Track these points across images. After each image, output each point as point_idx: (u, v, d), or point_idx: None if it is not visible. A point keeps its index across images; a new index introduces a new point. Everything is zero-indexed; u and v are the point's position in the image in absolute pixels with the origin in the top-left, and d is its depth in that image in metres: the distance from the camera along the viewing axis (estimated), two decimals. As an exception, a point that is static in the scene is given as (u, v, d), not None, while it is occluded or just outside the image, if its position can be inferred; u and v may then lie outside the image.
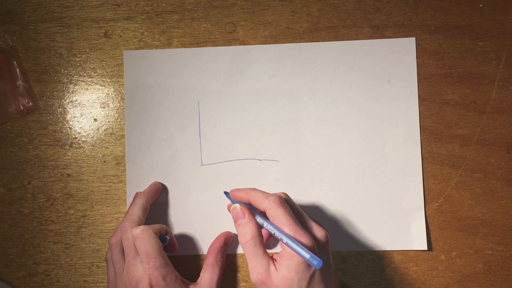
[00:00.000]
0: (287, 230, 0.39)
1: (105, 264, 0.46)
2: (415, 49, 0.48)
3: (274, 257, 0.40)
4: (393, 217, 0.47)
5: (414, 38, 0.48)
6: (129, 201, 0.47)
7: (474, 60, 0.48)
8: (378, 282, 0.47)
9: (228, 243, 0.46)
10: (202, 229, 0.47)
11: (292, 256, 0.38)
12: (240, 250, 0.47)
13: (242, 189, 0.42)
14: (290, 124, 0.48)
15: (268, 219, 0.40)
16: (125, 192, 0.48)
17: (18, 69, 0.48)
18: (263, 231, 0.44)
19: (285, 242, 0.38)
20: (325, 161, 0.47)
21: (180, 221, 0.47)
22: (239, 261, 0.47)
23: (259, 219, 0.41)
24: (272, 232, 0.39)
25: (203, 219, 0.47)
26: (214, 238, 0.46)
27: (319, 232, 0.40)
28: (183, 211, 0.47)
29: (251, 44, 0.48)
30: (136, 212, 0.43)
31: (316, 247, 0.39)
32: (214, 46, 0.48)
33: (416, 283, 0.47)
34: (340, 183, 0.47)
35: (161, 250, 0.41)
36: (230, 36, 0.49)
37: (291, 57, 0.48)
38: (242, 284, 0.47)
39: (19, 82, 0.48)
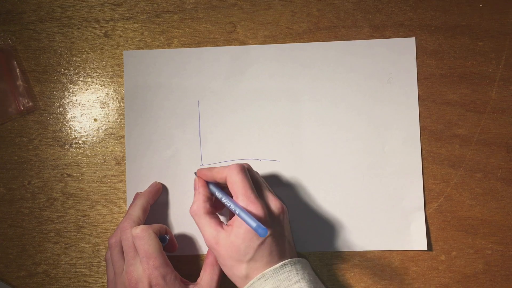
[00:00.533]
0: (241, 198, 0.40)
1: (105, 264, 0.46)
2: (415, 49, 0.48)
3: (227, 223, 0.41)
4: (393, 217, 0.47)
5: (414, 38, 0.48)
6: (129, 201, 0.47)
7: (474, 60, 0.48)
8: (378, 282, 0.47)
9: None
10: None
11: (241, 224, 0.39)
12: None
13: (205, 168, 0.44)
14: (290, 124, 0.48)
15: (226, 192, 0.42)
16: (125, 192, 0.48)
17: (18, 69, 0.48)
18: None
19: (236, 212, 0.39)
20: (325, 161, 0.47)
21: (180, 221, 0.47)
22: (239, 261, 0.47)
23: (214, 190, 0.42)
24: (227, 204, 0.40)
25: (203, 219, 0.47)
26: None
27: (274, 203, 0.41)
28: (183, 211, 0.47)
29: (251, 44, 0.48)
30: (136, 212, 0.43)
31: (269, 218, 0.40)
32: (214, 46, 0.48)
33: (416, 283, 0.47)
34: (340, 183, 0.47)
35: (161, 250, 0.41)
36: (230, 36, 0.49)
37: (291, 57, 0.48)
38: (242, 284, 0.47)
39: (19, 82, 0.48)
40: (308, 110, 0.48)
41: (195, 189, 0.43)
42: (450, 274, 0.47)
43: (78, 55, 0.49)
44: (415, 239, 0.46)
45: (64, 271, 0.48)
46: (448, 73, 0.48)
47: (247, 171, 0.41)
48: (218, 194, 0.42)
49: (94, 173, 0.48)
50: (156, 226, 0.43)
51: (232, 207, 0.39)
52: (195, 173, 0.45)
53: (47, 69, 0.49)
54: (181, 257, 0.47)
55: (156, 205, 0.47)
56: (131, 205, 0.46)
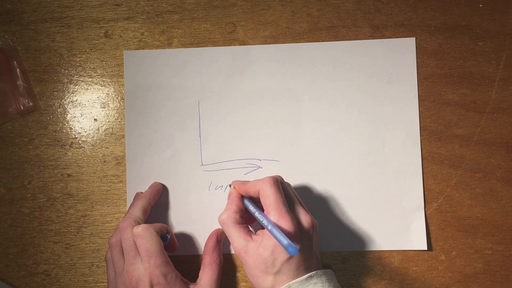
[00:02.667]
0: (272, 213, 0.40)
1: (105, 264, 0.46)
2: (415, 49, 0.48)
3: (257, 233, 0.41)
4: (393, 217, 0.47)
5: (414, 38, 0.48)
6: (129, 201, 0.47)
7: (474, 60, 0.48)
8: (378, 282, 0.47)
9: (221, 240, 0.46)
10: (202, 229, 0.47)
11: (271, 237, 0.39)
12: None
13: (242, 181, 0.44)
14: (290, 124, 0.48)
15: (258, 205, 0.42)
16: (125, 192, 0.48)
17: (18, 69, 0.48)
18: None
19: (268, 228, 0.39)
20: (325, 161, 0.47)
21: (180, 221, 0.47)
22: (239, 261, 0.47)
23: (248, 203, 0.43)
24: (259, 219, 0.40)
25: (203, 219, 0.47)
26: (214, 238, 0.46)
27: (304, 218, 0.41)
28: (183, 211, 0.47)
29: (251, 44, 0.48)
30: (137, 212, 0.43)
31: (299, 232, 0.40)
32: (214, 46, 0.48)
33: (416, 283, 0.47)
34: (340, 183, 0.47)
35: (162, 249, 0.41)
36: (230, 36, 0.49)
37: (291, 57, 0.48)
38: (242, 284, 0.47)
39: (19, 82, 0.48)
40: (308, 110, 0.48)
41: (229, 198, 0.44)
42: (450, 274, 0.47)
43: (78, 55, 0.49)
44: (415, 239, 0.46)
45: (64, 271, 0.48)
46: (448, 73, 0.48)
47: (279, 184, 0.41)
48: (251, 208, 0.42)
49: (94, 173, 0.48)
50: (158, 225, 0.43)
51: (265, 222, 0.39)
52: (230, 185, 0.46)
53: (47, 69, 0.49)
54: (181, 257, 0.47)
55: (156, 205, 0.47)
56: (131, 205, 0.46)
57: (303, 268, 0.40)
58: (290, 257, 0.39)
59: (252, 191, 0.42)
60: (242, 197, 0.44)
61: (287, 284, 0.39)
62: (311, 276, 0.39)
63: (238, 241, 0.41)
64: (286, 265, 0.39)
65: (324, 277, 0.40)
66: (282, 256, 0.39)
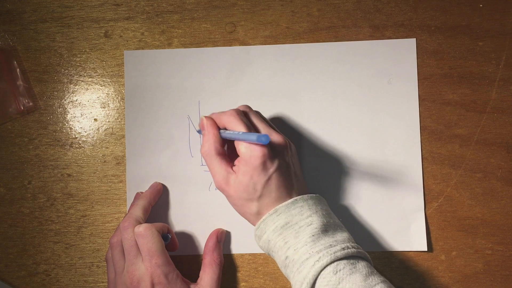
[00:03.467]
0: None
1: (105, 264, 0.46)
2: (416, 50, 0.48)
3: (235, 163, 0.41)
4: (393, 217, 0.47)
5: (415, 39, 0.48)
6: (129, 201, 0.47)
7: (474, 60, 0.48)
8: (378, 282, 0.47)
9: (221, 240, 0.46)
10: (202, 229, 0.47)
11: (247, 162, 0.39)
12: (238, 250, 0.47)
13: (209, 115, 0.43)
14: (290, 124, 0.48)
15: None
16: (125, 192, 0.48)
17: (18, 69, 0.48)
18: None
19: (237, 138, 0.39)
20: (325, 161, 0.47)
21: (180, 221, 0.47)
22: (239, 261, 0.47)
23: (221, 131, 0.42)
24: (228, 137, 0.40)
25: (203, 219, 0.47)
26: (214, 237, 0.46)
27: (275, 137, 0.41)
28: (183, 211, 0.47)
29: (251, 44, 0.48)
30: (137, 212, 0.43)
31: (272, 151, 0.40)
32: (214, 46, 0.48)
33: (416, 283, 0.47)
34: (340, 183, 0.47)
35: (163, 248, 0.41)
36: (230, 36, 0.49)
37: (291, 57, 0.48)
38: (242, 284, 0.47)
39: (19, 82, 0.48)
40: (308, 110, 0.48)
41: (203, 129, 0.42)
42: (450, 274, 0.47)
43: (79, 55, 0.49)
44: (415, 239, 0.46)
45: (64, 271, 0.48)
46: (448, 73, 0.48)
47: (241, 115, 0.41)
48: (223, 133, 0.42)
49: (94, 173, 0.48)
50: (159, 224, 0.43)
51: (230, 135, 0.40)
52: (199, 131, 0.45)
53: (48, 69, 0.49)
54: (182, 256, 0.47)
55: (156, 205, 0.47)
56: (132, 205, 0.46)
57: (284, 188, 0.40)
58: (269, 178, 0.39)
59: (220, 124, 0.42)
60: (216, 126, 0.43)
61: (274, 208, 0.39)
62: (296, 200, 0.40)
63: (219, 172, 0.40)
64: (266, 187, 0.39)
65: (310, 201, 0.40)
66: (261, 177, 0.39)
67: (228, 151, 0.44)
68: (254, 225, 0.41)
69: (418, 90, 0.47)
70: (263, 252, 0.47)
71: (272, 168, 0.39)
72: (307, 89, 0.48)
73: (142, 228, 0.41)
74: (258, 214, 0.40)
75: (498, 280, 0.46)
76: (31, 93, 0.48)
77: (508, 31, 0.48)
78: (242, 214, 0.42)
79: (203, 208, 0.47)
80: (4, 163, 0.48)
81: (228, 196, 0.41)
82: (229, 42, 0.48)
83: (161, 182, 0.47)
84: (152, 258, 0.40)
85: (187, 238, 0.47)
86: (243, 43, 0.48)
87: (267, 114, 0.48)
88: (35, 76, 0.49)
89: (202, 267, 0.44)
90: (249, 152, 0.39)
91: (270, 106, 0.48)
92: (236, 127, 0.40)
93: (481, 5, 0.48)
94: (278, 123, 0.47)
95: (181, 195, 0.47)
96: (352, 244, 0.39)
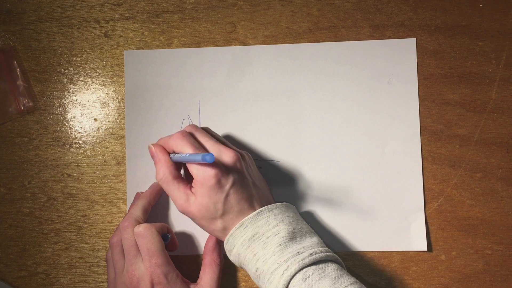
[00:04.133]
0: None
1: (105, 264, 0.46)
2: (416, 50, 0.48)
3: (192, 184, 0.41)
4: (393, 217, 0.47)
5: (415, 39, 0.48)
6: (129, 201, 0.47)
7: (474, 60, 0.48)
8: (378, 282, 0.47)
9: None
10: (201, 229, 0.47)
11: (202, 184, 0.39)
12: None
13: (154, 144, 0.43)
14: (290, 125, 0.48)
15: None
16: (125, 192, 0.48)
17: (18, 69, 0.48)
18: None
19: (185, 160, 0.39)
20: (325, 161, 0.47)
21: (180, 221, 0.47)
22: (239, 261, 0.47)
23: (171, 154, 0.42)
24: (177, 160, 0.41)
25: (203, 219, 0.47)
26: (214, 238, 0.46)
27: (225, 153, 0.40)
28: (183, 211, 0.47)
29: (251, 44, 0.48)
30: (137, 212, 0.43)
31: (224, 169, 0.39)
32: (214, 46, 0.48)
33: (416, 283, 0.47)
34: (340, 183, 0.47)
35: (163, 248, 0.41)
36: (230, 36, 0.49)
37: (291, 57, 0.48)
38: (242, 284, 0.47)
39: (19, 82, 0.48)
40: (308, 110, 0.48)
41: (153, 157, 0.42)
42: (450, 274, 0.47)
43: (79, 55, 0.49)
44: (415, 239, 0.46)
45: (64, 271, 0.48)
46: (448, 73, 0.48)
47: (188, 136, 0.41)
48: (174, 157, 0.42)
49: (94, 173, 0.48)
50: (158, 224, 0.43)
51: (178, 158, 0.40)
52: (150, 146, 0.44)
53: (47, 69, 0.49)
54: (181, 256, 0.47)
55: (156, 205, 0.47)
56: (132, 205, 0.46)
57: (245, 201, 0.40)
58: (227, 194, 0.39)
59: (168, 148, 0.42)
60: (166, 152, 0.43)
61: (240, 222, 0.40)
62: (261, 211, 0.40)
63: (179, 196, 0.40)
64: (226, 203, 0.39)
65: (276, 210, 0.40)
66: (219, 195, 0.39)
67: (186, 174, 0.44)
68: (223, 240, 0.41)
69: (418, 90, 0.47)
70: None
71: (228, 185, 0.39)
72: (307, 89, 0.48)
73: (141, 228, 0.41)
74: (225, 230, 0.40)
75: (498, 280, 0.46)
76: (31, 93, 0.48)
77: (508, 31, 0.48)
78: (210, 232, 0.42)
79: (203, 208, 0.47)
80: (4, 163, 0.48)
81: (193, 218, 0.41)
82: (229, 42, 0.48)
83: (161, 182, 0.47)
84: (152, 258, 0.40)
85: (187, 238, 0.47)
86: (243, 43, 0.48)
87: (267, 114, 0.48)
88: (35, 76, 0.49)
89: (202, 267, 0.44)
90: (202, 173, 0.39)
91: (270, 106, 0.48)
92: (183, 149, 0.40)
93: (481, 5, 0.48)
94: (278, 123, 0.47)
95: (181, 195, 0.47)
96: (321, 248, 0.39)
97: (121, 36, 0.49)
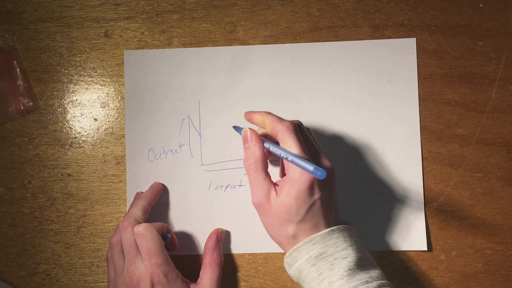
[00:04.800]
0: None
1: (105, 264, 0.46)
2: (416, 50, 0.48)
3: (277, 182, 0.40)
4: (393, 217, 0.47)
5: (415, 38, 0.48)
6: (129, 200, 0.47)
7: (474, 60, 0.48)
8: (378, 282, 0.47)
9: (221, 239, 0.46)
10: (202, 229, 0.47)
11: (294, 184, 0.38)
12: (238, 250, 0.47)
13: (258, 111, 0.42)
14: (290, 124, 0.48)
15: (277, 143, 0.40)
16: (125, 192, 0.48)
17: (18, 69, 0.48)
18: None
19: (289, 159, 0.38)
20: (325, 161, 0.47)
21: (180, 220, 0.47)
22: (239, 261, 0.47)
23: (266, 144, 0.41)
24: (278, 153, 0.39)
25: (203, 219, 0.47)
26: (214, 237, 0.46)
27: (325, 164, 0.40)
28: (183, 211, 0.47)
29: (251, 44, 0.48)
30: (137, 212, 0.43)
31: (321, 180, 0.38)
32: (214, 46, 0.48)
33: (416, 283, 0.47)
34: (340, 183, 0.47)
35: (163, 248, 0.41)
36: (230, 36, 0.49)
37: (291, 57, 0.48)
38: (242, 284, 0.47)
39: (19, 82, 0.48)
40: (308, 110, 0.48)
41: (246, 141, 0.41)
42: (450, 274, 0.47)
43: (78, 55, 0.49)
44: (415, 239, 0.46)
45: (64, 271, 0.48)
46: (448, 73, 0.48)
47: (298, 131, 0.40)
48: (266, 144, 0.40)
49: (94, 172, 0.48)
50: (158, 224, 0.43)
51: (284, 155, 0.38)
52: (236, 127, 0.44)
53: (47, 69, 0.49)
54: (181, 256, 0.47)
55: (156, 205, 0.47)
56: (132, 205, 0.46)
57: (323, 217, 0.39)
58: (313, 204, 0.38)
59: (271, 130, 0.40)
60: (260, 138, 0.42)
61: (309, 238, 0.39)
62: (333, 230, 0.39)
63: (262, 188, 0.39)
64: (309, 212, 0.38)
65: (346, 233, 0.39)
66: (306, 201, 0.38)
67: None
68: (285, 249, 0.40)
69: (418, 90, 0.47)
70: (263, 252, 0.47)
71: (318, 195, 0.39)
72: (307, 88, 0.48)
73: (141, 228, 0.41)
74: (294, 238, 0.39)
75: (498, 280, 0.46)
76: (31, 93, 0.48)
77: (508, 31, 0.48)
78: (276, 234, 0.40)
79: (203, 208, 0.47)
80: (4, 163, 0.48)
81: (265, 214, 0.40)
82: (229, 42, 0.48)
83: (161, 182, 0.47)
84: (152, 257, 0.40)
85: (187, 238, 0.47)
86: (243, 43, 0.48)
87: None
88: (35, 76, 0.49)
89: (202, 267, 0.44)
90: (299, 173, 0.38)
91: (270, 106, 0.48)
92: (290, 145, 0.39)
93: (481, 5, 0.48)
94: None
95: (181, 195, 0.47)
96: (386, 281, 0.38)
97: (121, 36, 0.49)
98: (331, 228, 0.39)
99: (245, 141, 0.41)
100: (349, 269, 0.37)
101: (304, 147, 0.39)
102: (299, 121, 0.42)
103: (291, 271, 0.40)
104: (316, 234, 0.39)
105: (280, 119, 0.40)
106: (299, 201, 0.38)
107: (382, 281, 0.38)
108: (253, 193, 0.40)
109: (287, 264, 0.40)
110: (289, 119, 0.43)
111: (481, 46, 0.48)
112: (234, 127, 0.45)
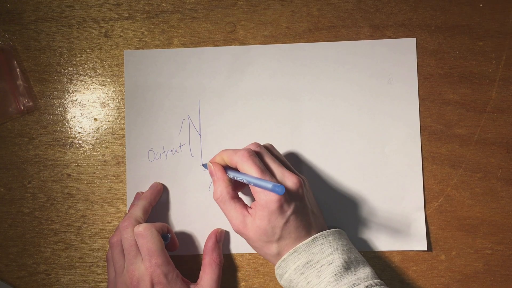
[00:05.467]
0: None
1: (106, 264, 0.46)
2: (416, 50, 0.48)
3: (251, 206, 0.41)
4: (393, 217, 0.47)
5: (415, 38, 0.48)
6: (129, 200, 0.47)
7: (474, 60, 0.48)
8: (378, 282, 0.47)
9: (220, 239, 0.46)
10: (202, 229, 0.47)
11: (263, 207, 0.39)
12: (238, 250, 0.47)
13: (216, 154, 0.43)
14: (290, 124, 0.48)
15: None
16: (125, 192, 0.48)
17: (18, 69, 0.48)
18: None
19: (251, 183, 0.39)
20: (325, 161, 0.47)
21: (180, 221, 0.47)
22: (239, 261, 0.47)
23: (231, 173, 0.42)
24: (241, 180, 0.40)
25: (203, 219, 0.47)
26: (213, 237, 0.46)
27: (289, 179, 0.40)
28: (183, 211, 0.47)
29: (251, 44, 0.48)
30: (137, 212, 0.43)
31: (288, 195, 0.39)
32: (214, 46, 0.48)
33: (416, 283, 0.47)
34: (340, 183, 0.47)
35: (163, 248, 0.41)
36: (230, 36, 0.49)
37: (291, 57, 0.48)
38: (242, 284, 0.47)
39: (19, 82, 0.48)
40: (308, 110, 0.48)
41: (212, 175, 0.43)
42: (450, 274, 0.47)
43: (78, 55, 0.49)
44: (415, 239, 0.46)
45: (64, 271, 0.48)
46: (448, 73, 0.48)
47: (254, 155, 0.41)
48: (230, 174, 0.42)
49: (94, 172, 0.48)
50: (158, 224, 0.43)
51: (245, 180, 0.40)
52: (203, 165, 0.46)
53: (47, 69, 0.49)
54: (181, 256, 0.47)
55: (156, 205, 0.47)
56: (132, 205, 0.46)
57: (303, 228, 0.40)
58: (287, 221, 0.39)
59: (231, 163, 0.42)
60: (224, 168, 0.43)
61: (294, 248, 0.40)
62: (316, 238, 0.40)
63: (235, 217, 0.41)
64: (285, 229, 0.39)
65: (330, 237, 0.40)
66: (279, 221, 0.39)
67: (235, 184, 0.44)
68: (274, 264, 0.41)
69: (418, 90, 0.47)
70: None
71: (289, 211, 0.39)
72: (307, 88, 0.48)
73: (141, 228, 0.41)
74: (278, 255, 0.40)
75: (498, 280, 0.46)
76: (31, 93, 0.48)
77: (508, 31, 0.48)
78: (263, 255, 0.42)
79: (203, 208, 0.47)
80: (4, 163, 0.48)
81: (247, 239, 0.41)
82: (229, 42, 0.48)
83: (161, 182, 0.47)
84: (152, 257, 0.40)
85: (187, 238, 0.47)
86: (243, 43, 0.48)
87: (267, 114, 0.48)
88: (35, 76, 0.49)
89: (202, 268, 0.44)
90: (264, 196, 0.39)
91: (270, 106, 0.48)
92: (249, 170, 0.40)
93: (481, 5, 0.48)
94: (278, 123, 0.47)
95: (181, 195, 0.47)
96: (375, 281, 0.39)
97: (121, 36, 0.49)
98: (314, 235, 0.40)
99: (211, 175, 0.43)
100: (335, 274, 0.38)
101: (262, 168, 0.40)
102: (257, 143, 0.43)
103: (282, 282, 0.41)
104: (300, 244, 0.40)
105: (235, 150, 0.41)
106: (272, 222, 0.39)
107: (371, 282, 0.38)
108: (230, 222, 0.42)
109: (277, 276, 0.41)
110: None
111: (481, 46, 0.48)
112: (203, 165, 0.47)
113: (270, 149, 0.44)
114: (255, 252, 0.47)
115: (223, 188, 0.41)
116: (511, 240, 0.47)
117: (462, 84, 0.48)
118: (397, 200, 0.47)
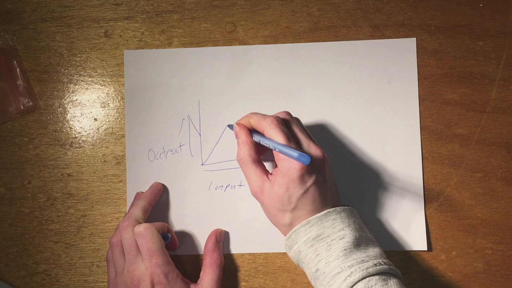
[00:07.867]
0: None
1: (106, 264, 0.46)
2: (416, 49, 0.48)
3: (272, 172, 0.41)
4: (393, 217, 0.47)
5: (415, 38, 0.48)
6: (129, 200, 0.47)
7: (474, 60, 0.48)
8: (378, 281, 0.46)
9: (220, 240, 0.46)
10: (201, 229, 0.47)
11: (284, 174, 0.39)
12: (238, 250, 0.47)
13: (244, 116, 0.43)
14: (290, 124, 0.48)
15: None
16: (125, 192, 0.48)
17: (18, 69, 0.48)
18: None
19: (277, 149, 0.39)
20: (325, 161, 0.47)
21: (180, 220, 0.47)
22: (239, 261, 0.47)
23: (256, 137, 0.42)
24: (266, 144, 0.40)
25: (203, 219, 0.47)
26: (213, 237, 0.46)
27: (314, 151, 0.40)
28: (183, 211, 0.47)
29: (251, 44, 0.48)
30: (137, 212, 0.43)
31: (310, 166, 0.39)
32: (214, 45, 0.48)
33: (416, 283, 0.47)
34: (340, 183, 0.47)
35: (163, 247, 0.42)
36: (230, 36, 0.49)
37: (291, 57, 0.48)
38: (242, 284, 0.47)
39: (19, 82, 0.48)
40: (308, 110, 0.48)
41: (237, 137, 0.43)
42: (450, 274, 0.47)
43: (78, 55, 0.49)
44: (415, 239, 0.46)
45: (64, 271, 0.48)
46: (448, 73, 0.48)
47: (282, 123, 0.41)
48: (256, 137, 0.42)
49: (94, 172, 0.48)
50: (158, 224, 0.43)
51: (271, 145, 0.40)
52: (229, 125, 0.46)
53: (47, 69, 0.49)
54: (182, 256, 0.47)
55: (156, 205, 0.47)
56: (132, 205, 0.46)
57: (319, 202, 0.40)
58: (305, 191, 0.39)
59: (257, 127, 0.42)
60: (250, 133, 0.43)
61: (306, 220, 0.39)
62: (329, 212, 0.40)
63: (254, 180, 0.41)
64: (301, 200, 0.39)
65: (343, 214, 0.40)
66: (297, 190, 0.39)
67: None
68: (285, 235, 0.41)
69: (418, 90, 0.47)
70: (263, 252, 0.47)
71: (309, 182, 0.39)
72: (307, 88, 0.48)
73: (141, 228, 0.41)
74: (290, 225, 0.40)
75: (498, 280, 0.46)
76: (31, 93, 0.48)
77: (508, 31, 0.48)
78: (274, 223, 0.42)
79: (203, 208, 0.47)
80: (4, 163, 0.48)
81: (262, 204, 0.42)
82: (229, 42, 0.48)
83: (161, 182, 0.47)
84: (152, 257, 0.40)
85: (187, 238, 0.47)
86: (243, 42, 0.48)
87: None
88: (35, 76, 0.49)
89: (203, 268, 0.44)
90: (287, 163, 0.39)
91: (270, 106, 0.48)
92: (276, 137, 0.40)
93: (481, 5, 0.48)
94: (278, 123, 0.47)
95: (181, 195, 0.47)
96: (384, 260, 0.39)
97: (121, 36, 0.49)
98: (327, 210, 0.40)
99: (236, 136, 0.43)
100: (345, 249, 0.38)
101: (289, 137, 0.40)
102: (287, 112, 0.43)
103: (291, 253, 0.41)
104: (313, 217, 0.39)
105: (264, 116, 0.41)
106: (290, 191, 0.39)
107: (379, 260, 0.38)
108: (249, 185, 0.42)
109: (287, 247, 0.41)
110: (283, 111, 0.43)
111: (481, 46, 0.48)
112: (229, 125, 0.46)
113: (298, 121, 0.44)
114: (255, 251, 0.47)
115: (246, 151, 0.41)
116: (511, 240, 0.47)
117: (462, 84, 0.48)
118: (397, 200, 0.47)
